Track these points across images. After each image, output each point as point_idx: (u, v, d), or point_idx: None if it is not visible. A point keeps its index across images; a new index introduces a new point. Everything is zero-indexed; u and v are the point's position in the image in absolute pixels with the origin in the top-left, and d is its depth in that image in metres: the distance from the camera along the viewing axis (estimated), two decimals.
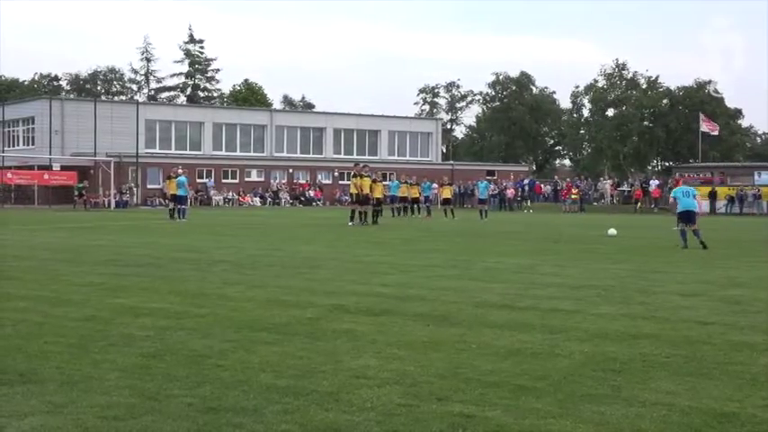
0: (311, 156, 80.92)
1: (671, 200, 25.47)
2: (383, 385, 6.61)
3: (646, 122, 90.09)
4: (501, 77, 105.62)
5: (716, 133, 71.78)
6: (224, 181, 71.40)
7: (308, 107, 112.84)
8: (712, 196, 59.74)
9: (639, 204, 60.48)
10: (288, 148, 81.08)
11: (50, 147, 65.17)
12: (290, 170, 75.44)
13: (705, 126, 69.71)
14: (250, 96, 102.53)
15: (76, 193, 58.88)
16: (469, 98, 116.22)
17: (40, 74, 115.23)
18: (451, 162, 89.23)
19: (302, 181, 74.38)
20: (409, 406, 6.04)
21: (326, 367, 7.21)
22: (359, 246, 22.36)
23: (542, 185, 75.30)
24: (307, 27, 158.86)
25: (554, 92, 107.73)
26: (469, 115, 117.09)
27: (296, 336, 8.65)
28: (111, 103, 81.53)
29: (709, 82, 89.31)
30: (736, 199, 58.27)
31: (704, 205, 59.68)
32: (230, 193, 68.93)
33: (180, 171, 39.78)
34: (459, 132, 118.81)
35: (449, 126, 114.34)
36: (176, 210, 38.20)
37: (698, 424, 5.71)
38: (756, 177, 60.08)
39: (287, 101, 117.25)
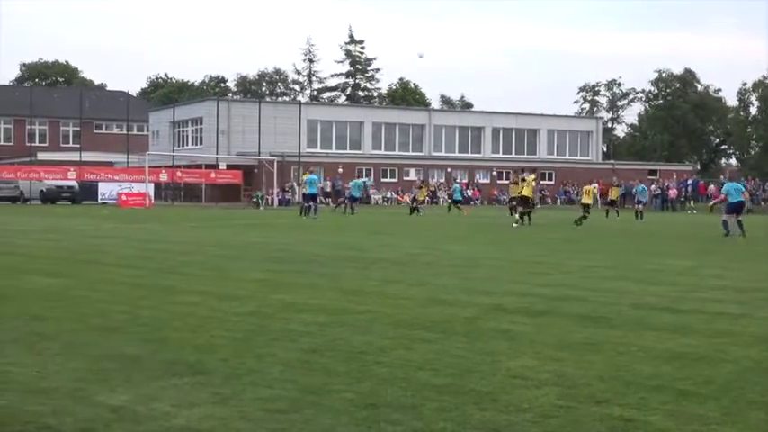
0: (469, 155, 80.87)
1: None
2: (541, 386, 6.56)
3: None
4: (664, 75, 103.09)
5: None
6: (383, 180, 72.16)
7: (466, 106, 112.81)
8: None
9: None
10: (446, 148, 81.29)
11: (217, 146, 67.32)
12: (449, 169, 75.60)
13: None
14: (407, 95, 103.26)
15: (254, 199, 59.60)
16: (631, 96, 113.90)
17: (210, 76, 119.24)
18: (612, 161, 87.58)
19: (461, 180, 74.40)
20: (567, 408, 5.97)
21: (484, 367, 7.20)
22: (517, 245, 22.23)
23: (707, 185, 73.00)
24: (463, 26, 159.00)
25: (719, 89, 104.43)
26: (631, 114, 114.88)
27: (454, 334, 8.68)
28: (275, 104, 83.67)
29: None
30: None
31: None
32: (389, 192, 69.59)
33: (311, 169, 40.60)
34: (621, 131, 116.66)
35: (609, 125, 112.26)
36: (309, 207, 38.82)
37: None
38: None
39: (445, 100, 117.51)
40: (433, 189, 71.16)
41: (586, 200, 35.37)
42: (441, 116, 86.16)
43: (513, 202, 34.31)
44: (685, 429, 5.54)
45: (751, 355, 7.79)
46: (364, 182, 45.31)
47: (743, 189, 27.79)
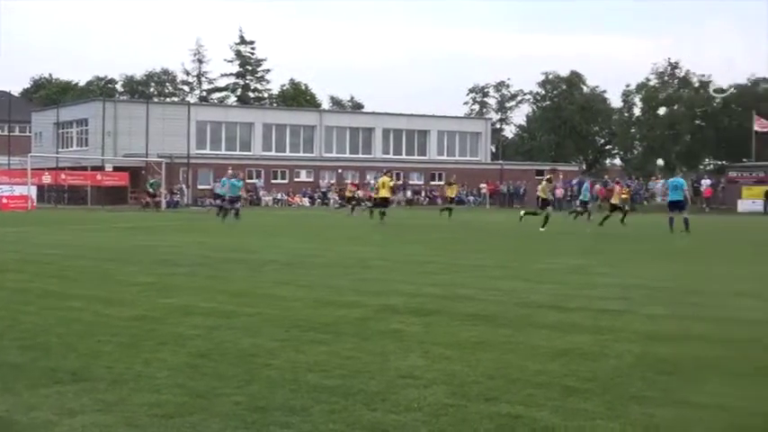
0: (360, 156, 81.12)
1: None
2: (430, 385, 6.60)
3: (698, 121, 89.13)
4: (551, 77, 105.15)
5: (758, 129, 70.71)
6: (273, 181, 71.87)
7: (356, 107, 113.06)
8: (767, 196, 58.99)
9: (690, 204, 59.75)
10: (337, 149, 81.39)
11: (103, 148, 66.03)
12: (339, 170, 75.71)
13: (758, 125, 68.84)
14: (298, 96, 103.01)
15: (151, 190, 58.20)
16: (519, 98, 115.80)
17: (97, 76, 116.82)
18: (501, 162, 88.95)
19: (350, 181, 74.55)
20: (457, 406, 6.02)
21: (374, 367, 7.22)
22: (407, 245, 22.37)
23: (593, 185, 74.66)
24: (354, 27, 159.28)
25: (604, 91, 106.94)
26: (519, 115, 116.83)
27: (344, 335, 8.67)
28: (163, 105, 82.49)
29: (765, 79, 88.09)
30: None
31: (759, 204, 59.14)
32: (279, 194, 69.32)
33: (235, 172, 40.55)
34: (509, 132, 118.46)
35: (498, 126, 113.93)
36: (228, 209, 38.71)
37: (750, 426, 5.64)
38: None
39: (335, 101, 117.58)
40: (324, 190, 71.14)
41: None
42: (331, 117, 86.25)
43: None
44: (570, 424, 5.64)
45: (634, 351, 7.98)
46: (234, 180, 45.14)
47: (682, 186, 28.89)
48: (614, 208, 35.98)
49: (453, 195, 45.38)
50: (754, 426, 5.66)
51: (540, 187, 32.26)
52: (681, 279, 14.45)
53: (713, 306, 11.06)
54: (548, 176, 33.61)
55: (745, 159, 74.46)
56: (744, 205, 60.24)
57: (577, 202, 46.09)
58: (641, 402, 6.18)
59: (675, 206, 28.15)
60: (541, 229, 29.04)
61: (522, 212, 33.70)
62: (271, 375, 6.90)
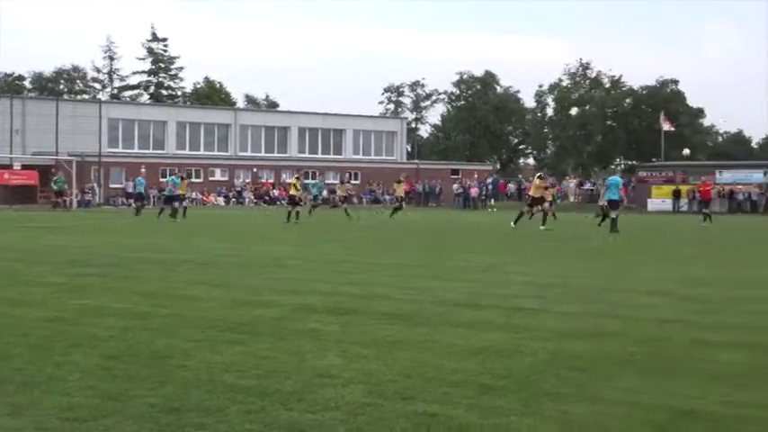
0: (275, 155, 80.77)
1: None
2: (347, 384, 6.60)
3: (609, 122, 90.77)
4: (465, 76, 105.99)
5: (672, 128, 72.30)
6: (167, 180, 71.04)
7: (271, 106, 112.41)
8: (676, 195, 60.40)
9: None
10: (252, 148, 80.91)
11: (11, 146, 64.57)
12: (254, 169, 75.30)
13: (664, 124, 70.48)
14: (212, 94, 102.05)
15: (56, 187, 56.77)
16: (434, 97, 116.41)
17: (5, 73, 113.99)
18: (416, 161, 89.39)
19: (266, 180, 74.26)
20: (373, 405, 6.03)
21: (291, 367, 7.18)
22: (324, 245, 22.34)
23: (506, 184, 75.66)
24: (269, 25, 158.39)
25: (518, 91, 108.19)
26: (434, 114, 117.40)
27: (260, 335, 8.62)
28: (74, 102, 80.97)
29: (672, 81, 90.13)
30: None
31: (668, 203, 60.52)
32: (194, 193, 68.60)
33: (178, 172, 40.59)
34: (424, 131, 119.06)
35: (414, 125, 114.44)
36: (175, 209, 38.42)
37: (660, 421, 5.75)
38: (718, 176, 60.75)
39: (250, 100, 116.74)
40: (239, 189, 70.63)
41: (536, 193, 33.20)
42: (246, 116, 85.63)
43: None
44: (486, 422, 5.69)
45: (548, 348, 8.08)
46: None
47: (618, 185, 29.83)
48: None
49: (403, 194, 45.37)
50: (664, 420, 5.78)
51: (533, 186, 32.68)
52: (595, 277, 14.69)
53: (626, 304, 11.26)
54: (539, 174, 34.38)
55: (654, 159, 76.10)
56: (653, 204, 61.57)
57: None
58: (555, 399, 6.27)
59: (611, 205, 28.98)
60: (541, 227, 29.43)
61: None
62: (186, 376, 6.82)
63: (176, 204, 38.32)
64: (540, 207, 31.54)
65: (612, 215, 28.64)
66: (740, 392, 6.50)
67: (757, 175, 60.34)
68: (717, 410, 6.01)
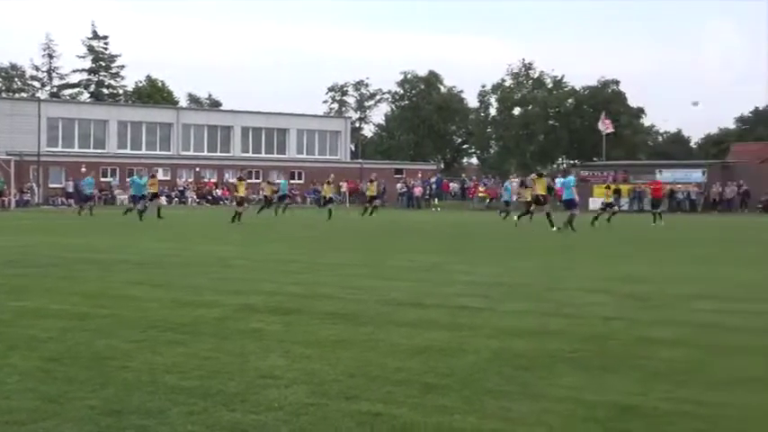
0: (218, 154, 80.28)
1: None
2: (291, 385, 6.56)
3: (551, 121, 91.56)
4: (409, 76, 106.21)
5: (611, 130, 73.10)
6: (129, 180, 70.34)
7: (214, 105, 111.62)
8: (617, 194, 61.02)
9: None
10: (195, 147, 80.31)
11: None
12: (197, 169, 74.75)
13: (602, 126, 71.24)
14: (154, 93, 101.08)
15: None
16: (378, 97, 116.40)
17: None
18: (360, 161, 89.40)
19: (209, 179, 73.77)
20: (317, 405, 6.01)
21: (233, 367, 7.13)
22: (269, 244, 22.24)
23: (450, 184, 75.98)
24: (212, 23, 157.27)
25: (462, 91, 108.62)
26: (378, 114, 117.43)
27: (202, 336, 8.54)
28: (12, 101, 79.54)
29: (613, 81, 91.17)
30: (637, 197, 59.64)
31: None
32: None
33: (140, 172, 40.17)
34: (368, 131, 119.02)
35: (358, 125, 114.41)
36: (144, 208, 38.12)
37: (602, 418, 5.80)
38: (658, 175, 61.52)
39: (193, 99, 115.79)
40: (182, 189, 70.08)
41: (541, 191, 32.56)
42: (189, 115, 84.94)
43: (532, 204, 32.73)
44: (429, 420, 5.69)
45: (491, 347, 8.11)
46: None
47: (570, 185, 31.16)
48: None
49: (374, 194, 45.26)
50: (607, 417, 5.82)
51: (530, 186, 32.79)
52: (538, 276, 14.79)
53: (569, 302, 11.35)
54: (532, 177, 34.01)
55: (595, 159, 76.91)
56: (595, 203, 62.01)
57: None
58: (498, 397, 6.29)
59: (566, 204, 30.10)
60: (554, 229, 28.73)
61: (516, 217, 33.35)
62: (126, 378, 6.74)
63: (146, 203, 37.96)
64: (541, 207, 31.08)
65: (571, 213, 29.59)
66: (681, 389, 6.58)
67: (696, 175, 61.24)
68: (658, 406, 6.08)
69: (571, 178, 32.03)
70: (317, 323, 9.41)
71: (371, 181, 46.36)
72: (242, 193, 36.32)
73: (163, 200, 45.52)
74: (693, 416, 5.87)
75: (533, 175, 33.45)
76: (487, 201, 60.70)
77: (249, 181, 55.66)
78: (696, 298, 11.86)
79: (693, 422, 5.74)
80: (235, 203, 37.55)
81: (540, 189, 31.36)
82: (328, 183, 45.61)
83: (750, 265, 17.45)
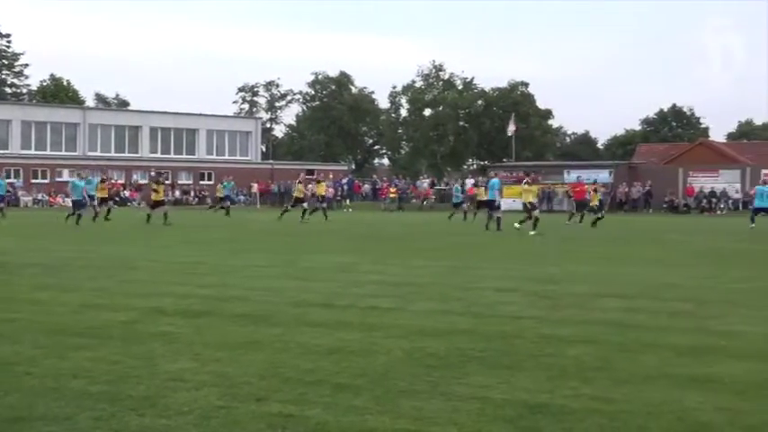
0: (126, 155, 79.09)
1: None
2: (200, 388, 6.51)
3: (462, 122, 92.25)
4: (320, 77, 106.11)
5: (515, 131, 74.06)
6: (33, 181, 68.89)
7: (122, 105, 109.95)
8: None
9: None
10: (102, 147, 78.99)
11: None
12: (104, 170, 73.48)
13: (510, 128, 72.15)
14: (59, 92, 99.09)
15: None
16: (289, 97, 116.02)
17: None
18: (271, 161, 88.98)
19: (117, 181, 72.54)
20: (227, 408, 5.97)
21: (142, 371, 7.03)
22: (177, 246, 21.98)
23: (361, 184, 76.08)
24: (119, 21, 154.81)
25: (373, 92, 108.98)
26: (289, 114, 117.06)
27: (110, 340, 8.41)
28: None
29: (522, 83, 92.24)
30: (545, 196, 60.45)
31: (518, 203, 61.94)
32: (40, 194, 66.45)
33: (81, 174, 39.36)
34: (279, 132, 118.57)
35: (268, 125, 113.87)
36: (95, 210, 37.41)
37: (511, 415, 5.87)
38: (566, 175, 62.55)
39: (100, 98, 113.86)
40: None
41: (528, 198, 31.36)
42: (96, 114, 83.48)
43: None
44: (342, 421, 5.70)
45: (402, 347, 8.15)
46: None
47: (495, 187, 32.33)
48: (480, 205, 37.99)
49: (323, 193, 44.52)
50: (515, 415, 5.90)
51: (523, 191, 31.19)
52: (448, 275, 14.90)
53: (478, 301, 11.46)
54: (526, 180, 31.92)
55: (505, 159, 77.74)
56: (505, 204, 62.75)
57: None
58: (410, 396, 6.33)
59: (486, 205, 31.15)
60: (531, 232, 27.88)
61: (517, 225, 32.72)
62: (32, 384, 6.60)
63: (96, 208, 37.11)
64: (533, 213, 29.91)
65: (496, 215, 30.63)
66: (588, 386, 6.70)
67: (603, 175, 62.27)
68: (565, 404, 6.18)
69: (496, 180, 32.90)
70: (227, 325, 9.35)
71: (319, 182, 45.44)
72: (161, 196, 35.69)
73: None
74: (600, 412, 5.99)
75: (525, 183, 31.57)
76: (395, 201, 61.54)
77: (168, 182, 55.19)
78: (602, 297, 12.08)
79: (600, 419, 5.85)
80: (149, 206, 36.67)
81: (531, 197, 30.70)
82: (319, 182, 44.98)
83: (654, 264, 17.84)
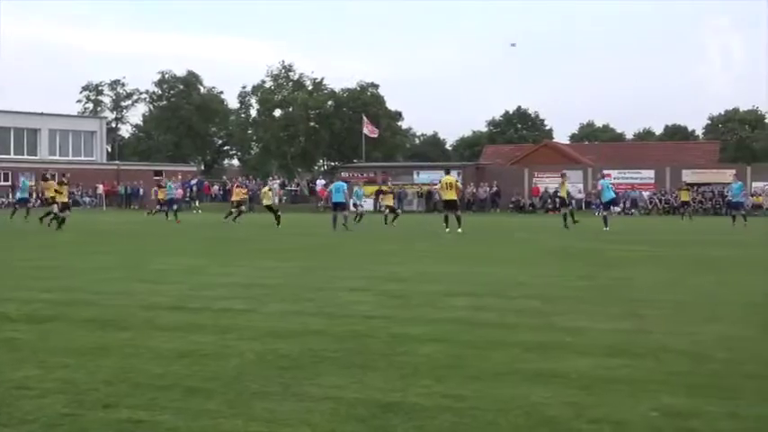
0: None
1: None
2: (46, 395, 6.32)
3: (312, 123, 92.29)
4: (167, 76, 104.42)
5: (375, 136, 74.84)
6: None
7: None
8: (377, 195, 62.33)
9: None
10: None
11: None
12: None
13: (367, 129, 72.69)
14: None
15: None
16: (135, 97, 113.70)
17: None
18: (117, 162, 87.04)
19: None
20: (74, 415, 5.82)
21: None
22: (19, 249, 21.27)
23: (211, 185, 75.25)
24: None
25: (222, 92, 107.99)
26: (136, 114, 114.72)
27: None
28: None
29: (372, 85, 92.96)
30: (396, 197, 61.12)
31: (369, 203, 62.39)
32: None
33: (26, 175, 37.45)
34: (125, 131, 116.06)
35: (114, 125, 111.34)
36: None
37: (364, 415, 5.93)
38: (416, 176, 63.42)
39: None
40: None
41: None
42: None
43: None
44: (193, 425, 5.65)
45: (255, 349, 8.12)
46: None
47: (341, 189, 33.18)
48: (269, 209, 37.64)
49: (239, 198, 42.96)
50: (368, 414, 5.96)
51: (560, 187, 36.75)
52: (300, 276, 14.89)
53: (330, 302, 11.51)
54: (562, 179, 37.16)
55: (356, 160, 78.19)
56: (368, 205, 63.30)
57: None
58: (263, 398, 6.31)
59: (338, 206, 32.38)
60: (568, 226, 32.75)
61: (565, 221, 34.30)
62: None
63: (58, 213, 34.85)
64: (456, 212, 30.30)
65: (344, 214, 32.64)
66: (440, 384, 6.82)
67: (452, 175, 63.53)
68: (417, 402, 6.27)
69: (341, 183, 34.08)
70: (74, 330, 9.11)
71: (238, 186, 44.09)
72: (65, 197, 33.50)
73: None
74: (452, 410, 6.09)
75: (562, 177, 37.05)
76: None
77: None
78: (453, 296, 12.28)
79: (452, 416, 5.95)
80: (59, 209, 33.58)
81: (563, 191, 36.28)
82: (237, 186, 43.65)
83: (503, 262, 18.26)
